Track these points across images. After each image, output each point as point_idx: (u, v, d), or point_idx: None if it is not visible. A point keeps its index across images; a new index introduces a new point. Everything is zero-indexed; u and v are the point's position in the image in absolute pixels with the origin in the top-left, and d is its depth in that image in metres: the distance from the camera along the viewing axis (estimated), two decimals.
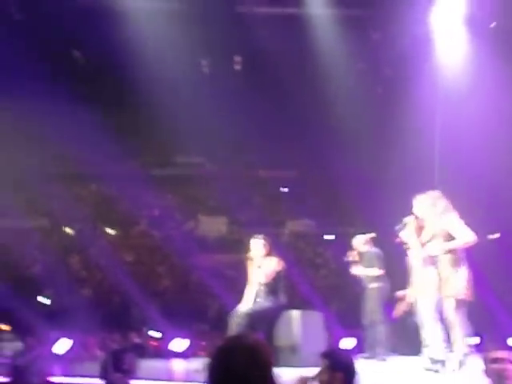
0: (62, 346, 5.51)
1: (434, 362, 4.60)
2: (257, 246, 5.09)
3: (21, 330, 6.56)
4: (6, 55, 8.61)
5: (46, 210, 11.21)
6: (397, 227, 4.82)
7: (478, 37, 8.13)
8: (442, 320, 4.53)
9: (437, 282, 4.50)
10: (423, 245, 4.65)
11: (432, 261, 4.59)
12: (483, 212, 7.92)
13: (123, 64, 9.49)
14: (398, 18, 8.11)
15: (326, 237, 11.85)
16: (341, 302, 10.23)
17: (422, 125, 8.28)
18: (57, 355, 5.40)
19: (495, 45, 7.92)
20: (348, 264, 6.41)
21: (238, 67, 10.68)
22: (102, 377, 2.78)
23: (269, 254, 5.15)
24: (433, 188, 4.89)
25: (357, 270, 6.13)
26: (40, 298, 7.93)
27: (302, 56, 9.25)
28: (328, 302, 10.43)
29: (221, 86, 10.15)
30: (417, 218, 4.66)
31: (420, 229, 4.74)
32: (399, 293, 6.92)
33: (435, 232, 4.47)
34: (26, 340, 6.13)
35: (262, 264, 5.01)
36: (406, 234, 4.79)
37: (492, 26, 8.19)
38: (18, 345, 6.05)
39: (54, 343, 5.50)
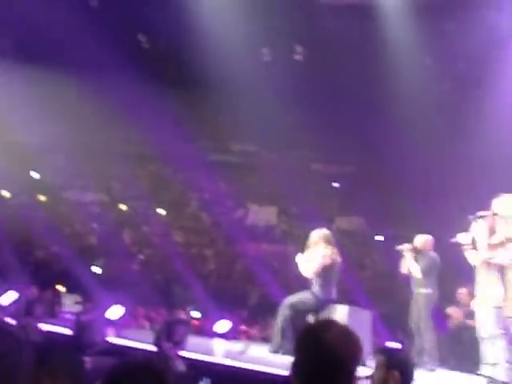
0: (115, 312, 5.77)
1: (494, 382, 4.35)
2: (311, 236, 5.04)
3: (80, 293, 6.91)
4: (80, 39, 8.99)
5: (107, 186, 11.69)
6: (470, 217, 4.53)
7: None
8: (507, 336, 4.26)
9: (502, 294, 4.25)
10: (491, 247, 4.39)
11: (499, 268, 4.34)
12: None
13: (187, 50, 9.66)
14: (472, 8, 7.60)
15: (376, 237, 11.58)
16: (384, 306, 10.01)
17: (492, 126, 7.82)
18: (110, 320, 5.66)
19: None
20: (398, 255, 6.17)
21: (298, 57, 10.57)
22: (155, 344, 2.86)
23: (328, 243, 5.05)
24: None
25: (404, 265, 5.92)
26: (93, 267, 8.31)
27: (366, 47, 8.97)
28: (373, 305, 10.18)
29: (281, 75, 10.10)
30: (494, 215, 4.37)
31: (490, 230, 4.47)
32: (451, 309, 6.59)
33: (508, 236, 4.20)
34: (85, 302, 6.44)
35: (310, 256, 4.98)
36: (478, 229, 4.52)
37: None
38: (79, 305, 6.39)
39: (107, 309, 5.79)
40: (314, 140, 10.66)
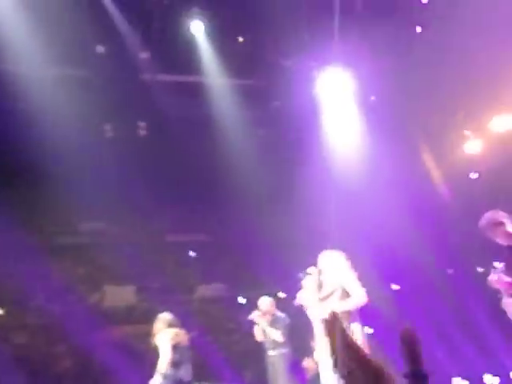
0: None
1: None
2: (156, 323, 5.00)
3: None
4: None
5: None
6: (300, 274, 4.92)
7: (361, 107, 8.96)
8: None
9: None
10: (322, 300, 4.75)
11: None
12: (382, 268, 8.35)
13: (19, 131, 9.08)
14: (288, 88, 8.71)
15: (239, 300, 11.70)
16: (256, 368, 9.97)
17: (319, 187, 8.72)
18: None
19: (376, 115, 8.79)
20: (251, 325, 6.31)
21: (141, 132, 10.67)
22: None
23: (170, 327, 5.03)
24: (334, 248, 5.08)
25: (259, 332, 6.04)
26: None
27: (204, 122, 9.49)
28: (243, 369, 10.10)
29: (124, 151, 10.02)
30: (320, 271, 4.80)
31: (320, 285, 4.85)
32: (306, 361, 6.87)
33: (334, 289, 4.62)
34: None
35: (158, 340, 4.91)
36: (307, 286, 4.86)
37: (371, 99, 9.15)
38: None
39: None
40: (163, 212, 10.64)
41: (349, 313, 4.45)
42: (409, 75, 8.25)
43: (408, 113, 8.76)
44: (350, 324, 4.39)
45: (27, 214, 10.05)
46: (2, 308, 10.35)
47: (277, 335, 5.92)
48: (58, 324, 10.21)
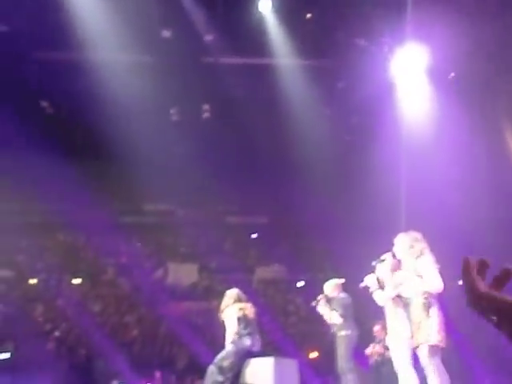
0: None
1: None
2: (224, 299, 5.27)
3: None
4: None
5: (11, 261, 10.89)
6: (373, 262, 4.84)
7: (438, 85, 8.52)
8: (418, 367, 4.50)
9: (409, 327, 4.51)
10: (396, 285, 4.67)
11: (404, 304, 4.62)
12: (451, 256, 8.03)
13: (92, 113, 9.59)
14: (360, 68, 8.44)
15: (298, 283, 11.84)
16: (312, 350, 10.15)
17: (388, 170, 8.46)
18: None
19: (454, 93, 8.32)
20: (315, 309, 6.39)
21: (206, 115, 10.92)
22: None
23: (236, 302, 5.28)
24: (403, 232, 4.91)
25: (328, 317, 6.13)
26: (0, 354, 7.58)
27: (269, 104, 9.48)
28: (299, 350, 10.31)
29: (189, 134, 10.33)
30: (394, 256, 4.69)
31: (395, 269, 4.78)
32: (370, 347, 6.85)
33: (409, 273, 4.49)
34: None
35: (225, 315, 5.18)
36: (381, 271, 4.81)
37: (451, 76, 8.62)
38: None
39: None
40: (226, 194, 10.87)
41: (426, 301, 4.32)
42: (497, 45, 7.46)
43: (493, 88, 8.11)
44: (428, 314, 4.25)
45: (98, 193, 10.64)
46: (80, 278, 11.14)
47: (334, 317, 5.95)
48: (127, 296, 10.87)
